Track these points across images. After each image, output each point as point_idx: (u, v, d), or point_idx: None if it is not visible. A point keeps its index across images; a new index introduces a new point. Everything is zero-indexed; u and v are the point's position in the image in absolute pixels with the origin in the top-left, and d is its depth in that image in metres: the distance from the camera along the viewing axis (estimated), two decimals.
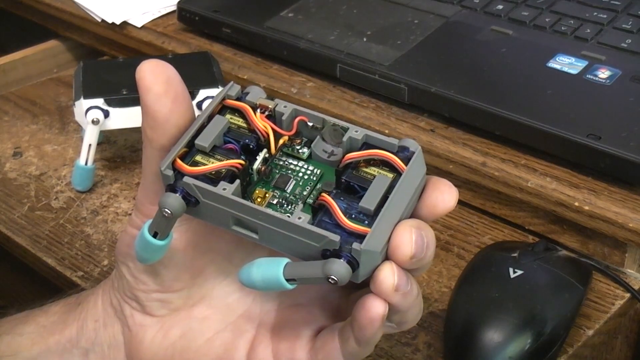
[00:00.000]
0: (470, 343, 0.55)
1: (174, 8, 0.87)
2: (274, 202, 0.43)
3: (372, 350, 0.44)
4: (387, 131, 0.69)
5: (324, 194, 0.41)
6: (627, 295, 0.61)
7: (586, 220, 0.61)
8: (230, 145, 0.44)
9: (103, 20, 0.89)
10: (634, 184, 0.62)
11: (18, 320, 0.54)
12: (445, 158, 0.67)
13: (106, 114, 0.72)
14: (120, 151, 0.80)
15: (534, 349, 0.54)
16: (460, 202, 0.69)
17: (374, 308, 0.41)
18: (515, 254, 0.58)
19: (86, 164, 0.73)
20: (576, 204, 0.61)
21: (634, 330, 0.66)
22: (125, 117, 0.73)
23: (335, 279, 0.39)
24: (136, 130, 0.68)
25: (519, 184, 0.64)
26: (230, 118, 0.45)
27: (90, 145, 0.73)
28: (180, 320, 0.49)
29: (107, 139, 0.81)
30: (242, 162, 0.43)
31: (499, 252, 0.60)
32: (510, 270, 0.57)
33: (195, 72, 0.75)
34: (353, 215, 0.41)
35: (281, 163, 0.45)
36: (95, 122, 0.72)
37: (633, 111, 0.64)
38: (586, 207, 0.61)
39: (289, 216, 0.41)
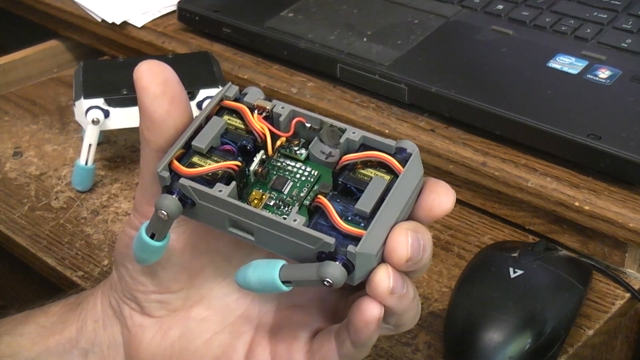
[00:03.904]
0: (471, 343, 0.55)
1: (174, 8, 0.87)
2: (271, 203, 0.43)
3: (369, 352, 0.44)
4: (387, 131, 0.69)
5: (320, 196, 0.41)
6: (627, 295, 0.61)
7: (586, 220, 0.61)
8: (227, 147, 0.44)
9: (103, 20, 0.89)
10: (634, 184, 0.62)
11: (18, 321, 0.54)
12: (446, 158, 0.67)
13: (106, 114, 0.72)
14: (120, 151, 0.80)
15: (534, 348, 0.54)
16: (460, 202, 0.69)
17: (369, 311, 0.40)
18: (516, 254, 0.58)
19: (86, 163, 0.73)
20: (576, 203, 0.61)
21: (634, 330, 0.66)
22: (125, 117, 0.73)
23: (330, 281, 0.39)
24: (136, 130, 0.68)
25: (519, 184, 0.64)
26: (228, 119, 0.45)
27: (90, 145, 0.73)
28: (179, 321, 0.49)
29: (107, 138, 0.81)
30: (239, 163, 0.42)
31: (499, 252, 0.60)
32: (510, 270, 0.57)
33: (196, 72, 0.75)
34: (349, 218, 0.40)
35: (278, 164, 0.45)
36: (95, 122, 0.72)
37: (633, 111, 0.64)
38: (586, 207, 0.61)
39: (284, 218, 0.40)
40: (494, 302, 0.56)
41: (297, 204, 0.43)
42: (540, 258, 0.58)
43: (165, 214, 0.42)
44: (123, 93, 0.72)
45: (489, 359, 0.54)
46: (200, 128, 0.44)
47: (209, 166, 0.42)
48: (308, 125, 0.44)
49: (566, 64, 0.70)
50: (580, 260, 0.62)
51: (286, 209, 0.43)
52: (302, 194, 0.43)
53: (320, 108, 0.73)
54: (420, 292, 0.62)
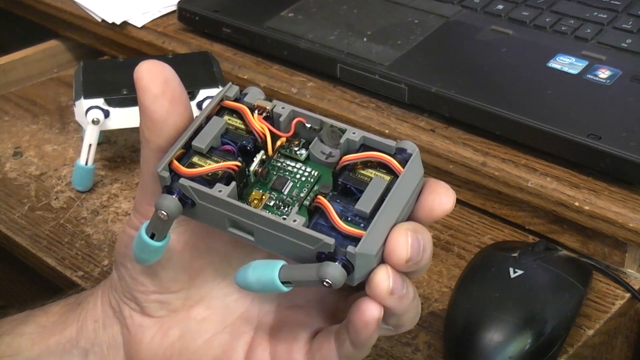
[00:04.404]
0: (471, 343, 0.55)
1: (174, 8, 0.87)
2: (271, 204, 0.43)
3: (369, 352, 0.44)
4: (387, 131, 0.69)
5: (320, 196, 0.41)
6: (627, 295, 0.61)
7: (586, 220, 0.61)
8: (227, 147, 0.44)
9: (103, 20, 0.89)
10: (634, 184, 0.62)
11: (18, 321, 0.54)
12: (446, 158, 0.67)
13: (106, 114, 0.72)
14: (120, 151, 0.80)
15: (534, 349, 0.54)
16: (460, 202, 0.69)
17: (369, 311, 0.40)
18: (516, 254, 0.58)
19: (86, 163, 0.73)
20: (576, 203, 0.61)
21: (634, 330, 0.66)
22: (125, 117, 0.73)
23: (330, 282, 0.39)
24: (136, 130, 0.68)
25: (519, 184, 0.64)
26: (228, 119, 0.45)
27: (90, 145, 0.73)
28: (179, 321, 0.49)
29: (107, 139, 0.81)
30: (239, 163, 0.42)
31: (499, 252, 0.60)
32: (511, 270, 0.57)
33: (196, 72, 0.75)
34: (349, 218, 0.40)
35: (279, 165, 0.45)
36: (95, 122, 0.72)
37: (633, 111, 0.64)
38: (586, 207, 0.61)
39: (284, 218, 0.40)
40: (494, 302, 0.56)
41: (297, 204, 0.43)
42: (540, 258, 0.58)
43: (165, 214, 0.42)
44: (123, 93, 0.72)
45: (489, 359, 0.54)
46: (200, 128, 0.44)
47: (209, 166, 0.42)
48: (308, 125, 0.44)
49: (566, 64, 0.70)
50: (580, 260, 0.62)
51: (286, 209, 0.43)
52: (302, 194, 0.43)
53: (320, 108, 0.73)
54: (420, 292, 0.62)
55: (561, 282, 0.58)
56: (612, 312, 0.60)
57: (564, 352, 0.57)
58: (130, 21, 0.88)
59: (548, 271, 0.58)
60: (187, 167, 0.42)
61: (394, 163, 0.41)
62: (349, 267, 0.39)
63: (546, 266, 0.58)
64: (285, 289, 0.41)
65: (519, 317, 0.55)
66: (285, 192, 0.43)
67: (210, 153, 0.43)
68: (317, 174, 0.44)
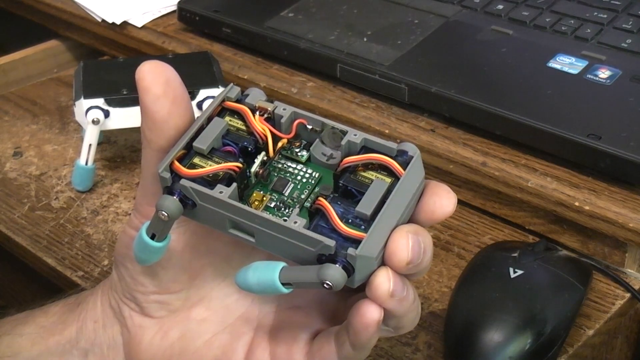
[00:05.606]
0: (471, 343, 0.55)
1: (174, 8, 0.87)
2: (272, 205, 0.43)
3: (369, 353, 0.44)
4: (387, 131, 0.69)
5: (320, 198, 0.41)
6: (627, 295, 0.61)
7: (586, 220, 0.61)
8: (228, 148, 0.44)
9: (103, 20, 0.89)
10: (634, 184, 0.62)
11: (18, 321, 0.54)
12: (446, 158, 0.67)
13: (106, 114, 0.72)
14: (120, 151, 0.80)
15: (534, 349, 0.54)
16: (460, 202, 0.69)
17: (369, 314, 0.40)
18: (516, 254, 0.58)
19: (86, 163, 0.73)
20: (576, 203, 0.61)
21: (634, 330, 0.66)
22: (125, 117, 0.73)
23: (330, 284, 0.39)
24: (136, 130, 0.68)
25: (519, 184, 0.64)
26: (230, 120, 0.45)
27: (90, 145, 0.73)
28: (178, 322, 0.49)
29: (107, 138, 0.81)
30: (240, 165, 0.42)
31: (499, 252, 0.60)
32: (511, 270, 0.57)
33: (196, 72, 0.75)
34: (349, 220, 0.40)
35: (280, 166, 0.45)
36: (95, 122, 0.72)
37: (633, 111, 0.64)
38: (586, 207, 0.61)
39: (285, 220, 0.41)
40: (494, 302, 0.56)
41: (297, 205, 0.43)
42: (540, 258, 0.58)
43: (166, 214, 0.42)
44: (123, 93, 0.72)
45: (488, 359, 0.54)
46: (201, 129, 0.44)
47: (210, 167, 0.42)
48: (309, 127, 0.44)
49: (566, 64, 0.70)
50: (580, 260, 0.62)
51: (287, 210, 0.43)
52: (302, 196, 0.43)
53: (320, 108, 0.73)
54: (420, 292, 0.62)
55: (561, 282, 0.58)
56: (612, 312, 0.60)
57: (564, 352, 0.57)
58: (130, 21, 0.88)
59: (548, 271, 0.58)
60: (188, 168, 0.42)
61: (395, 165, 0.41)
62: (349, 269, 0.39)
63: (546, 266, 0.58)
64: (285, 290, 0.41)
65: (519, 317, 0.55)
66: (286, 194, 0.43)
67: (211, 154, 0.43)
68: (318, 176, 0.44)
